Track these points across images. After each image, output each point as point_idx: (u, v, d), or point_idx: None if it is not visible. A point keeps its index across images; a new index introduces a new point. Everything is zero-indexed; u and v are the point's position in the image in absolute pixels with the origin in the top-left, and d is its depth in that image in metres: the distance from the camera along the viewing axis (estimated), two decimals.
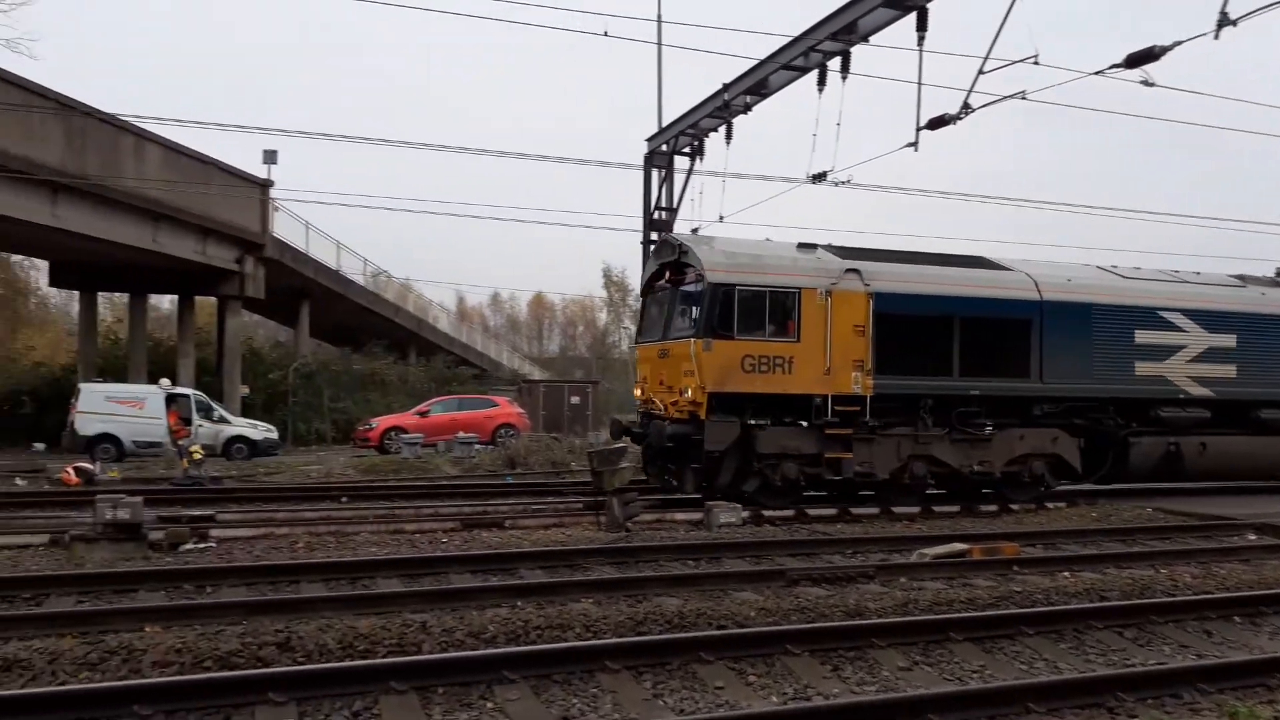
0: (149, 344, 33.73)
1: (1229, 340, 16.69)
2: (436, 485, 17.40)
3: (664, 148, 20.27)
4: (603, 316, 72.51)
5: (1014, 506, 14.89)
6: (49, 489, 16.94)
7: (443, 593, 8.28)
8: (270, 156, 31.56)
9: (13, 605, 7.88)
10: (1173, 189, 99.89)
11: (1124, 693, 5.92)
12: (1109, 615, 7.69)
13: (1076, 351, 15.54)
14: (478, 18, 15.45)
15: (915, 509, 14.18)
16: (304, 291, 37.20)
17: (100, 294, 33.59)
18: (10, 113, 20.85)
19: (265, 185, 31.23)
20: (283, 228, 33.49)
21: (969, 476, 14.84)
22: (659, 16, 20.51)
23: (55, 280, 33.04)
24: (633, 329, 30.89)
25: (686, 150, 20.01)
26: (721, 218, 19.06)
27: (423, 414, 28.75)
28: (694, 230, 18.73)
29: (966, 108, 12.74)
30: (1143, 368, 16.00)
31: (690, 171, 19.93)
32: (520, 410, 29.89)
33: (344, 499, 15.40)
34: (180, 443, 20.77)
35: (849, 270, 14.27)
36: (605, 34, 16.70)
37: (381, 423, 28.57)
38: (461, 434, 25.00)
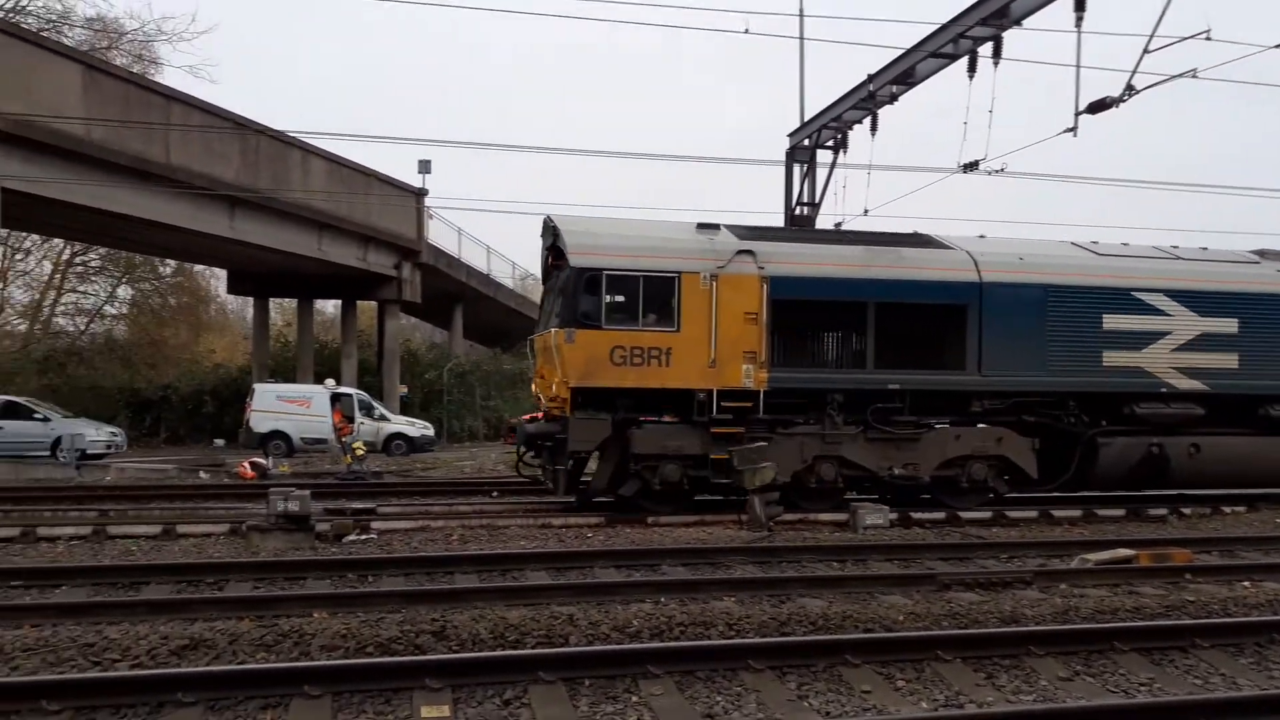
0: (315, 346, 35.80)
1: (1228, 325, 14.33)
2: None
3: (806, 142, 20.00)
4: None
5: (1098, 511, 13.34)
6: (228, 482, 18.23)
7: (588, 586, 8.46)
8: (424, 166, 32.88)
9: (198, 589, 8.53)
10: None
11: None
12: None
13: (1026, 339, 13.59)
14: (615, 22, 15.67)
15: (1077, 512, 13.44)
16: (457, 295, 38.66)
17: (272, 299, 35.84)
18: (194, 134, 22.55)
19: (420, 194, 32.61)
20: (437, 234, 34.98)
21: (887, 480, 13.25)
22: (800, 10, 20.26)
23: (233, 288, 35.48)
24: None
25: (829, 144, 19.68)
26: (866, 211, 18.64)
27: None
28: (837, 225, 18.40)
29: (1130, 89, 12.03)
30: (1113, 357, 13.90)
31: (833, 165, 19.58)
32: None
33: (494, 493, 15.93)
34: (344, 439, 21.94)
35: (741, 252, 12.84)
36: (746, 31, 16.69)
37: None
38: None
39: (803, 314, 13.10)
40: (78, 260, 36.82)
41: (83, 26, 32.21)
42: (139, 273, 37.59)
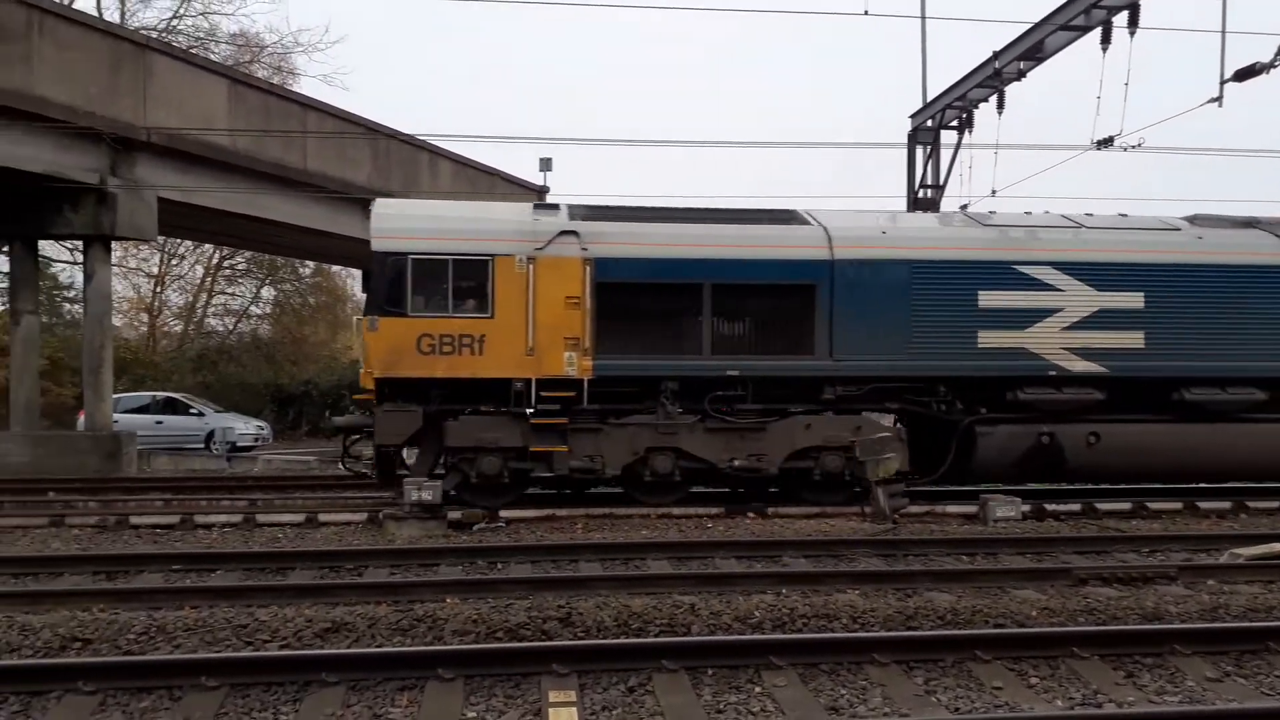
0: None
1: (1133, 300, 12.71)
2: None
3: (929, 123, 19.47)
4: None
5: (1250, 504, 12.36)
6: (364, 473, 19.00)
7: (710, 576, 8.52)
8: (545, 164, 33.42)
9: (339, 575, 8.96)
10: None
11: None
12: None
13: (886, 320, 12.38)
14: (732, 11, 15.56)
15: (1226, 504, 12.69)
16: None
17: None
18: (329, 140, 23.61)
19: (542, 191, 33.14)
20: None
21: (728, 473, 12.31)
22: None
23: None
24: None
25: (954, 124, 19.11)
26: (994, 192, 18.07)
27: None
28: (962, 207, 17.86)
29: None
30: (991, 338, 12.50)
31: (958, 146, 19.01)
32: None
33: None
34: None
35: (564, 233, 12.05)
36: (865, 13, 16.36)
37: None
38: None
39: (633, 297, 12.20)
40: (226, 264, 39.04)
41: (227, 42, 34.16)
42: (281, 274, 39.62)
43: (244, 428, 26.03)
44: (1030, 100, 21.78)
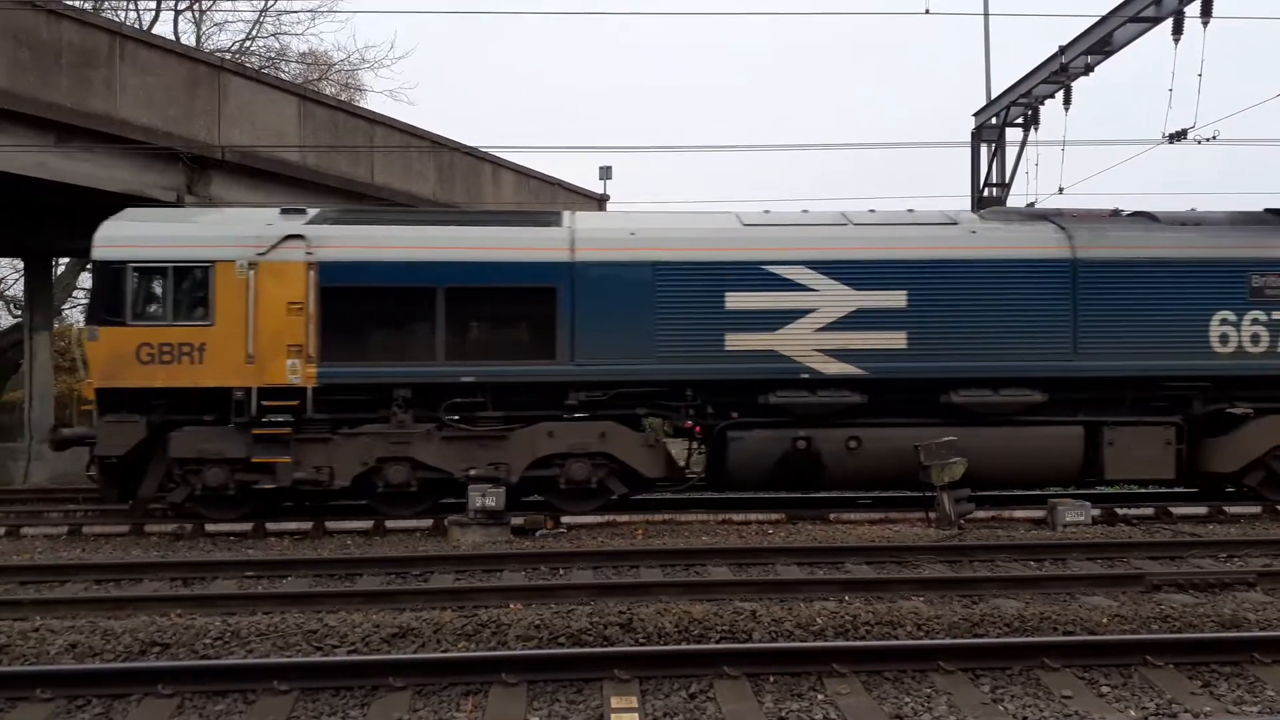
0: None
1: (894, 299, 12.09)
2: None
3: (993, 120, 19.14)
4: None
5: None
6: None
7: (771, 583, 8.50)
8: (605, 172, 33.65)
9: (405, 581, 9.13)
10: None
11: None
12: None
13: (630, 323, 11.95)
14: (795, 14, 15.52)
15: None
16: None
17: None
18: (395, 154, 24.11)
19: (602, 200, 33.42)
20: None
21: (463, 482, 11.74)
22: None
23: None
24: None
25: (1019, 121, 18.76)
26: (1061, 189, 17.69)
27: None
28: (1030, 204, 17.51)
29: None
30: (739, 340, 11.99)
31: (1023, 143, 18.65)
32: None
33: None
34: None
35: (290, 237, 11.70)
36: (927, 12, 16.17)
37: None
38: None
39: (363, 302, 11.89)
40: None
41: (297, 61, 35.03)
42: None
43: None
44: (1103, 93, 21.30)
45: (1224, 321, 12.40)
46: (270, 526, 11.69)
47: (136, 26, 25.56)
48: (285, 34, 35.69)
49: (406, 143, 24.53)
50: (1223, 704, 5.63)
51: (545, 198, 30.11)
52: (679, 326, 12.05)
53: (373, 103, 35.06)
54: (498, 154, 27.82)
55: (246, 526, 11.70)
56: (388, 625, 6.88)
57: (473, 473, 11.72)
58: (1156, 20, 14.74)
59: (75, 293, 29.55)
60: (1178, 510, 12.14)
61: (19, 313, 27.87)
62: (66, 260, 26.83)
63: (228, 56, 28.28)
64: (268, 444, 11.68)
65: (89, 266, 12.30)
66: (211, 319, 11.68)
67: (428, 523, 11.92)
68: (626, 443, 12.16)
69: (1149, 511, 12.13)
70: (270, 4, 32.32)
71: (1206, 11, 13.58)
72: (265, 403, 11.68)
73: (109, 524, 11.99)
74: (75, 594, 8.58)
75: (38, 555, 10.47)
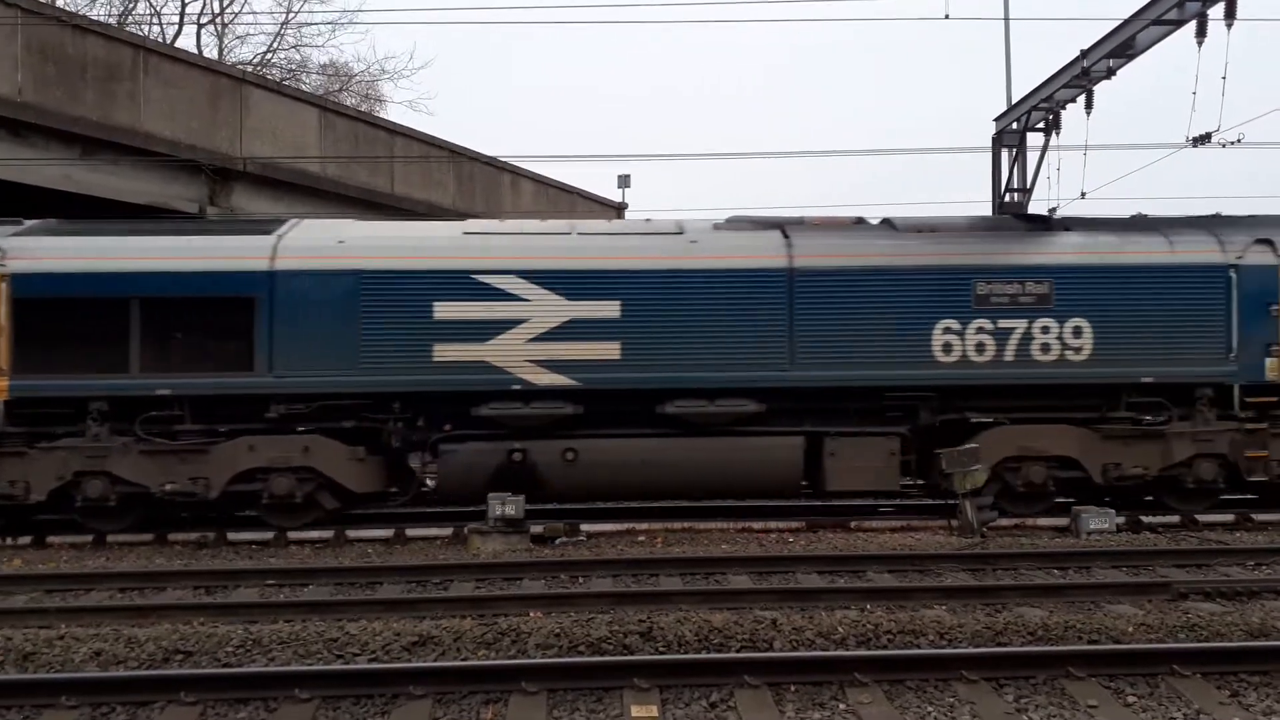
0: None
1: (608, 309, 11.87)
2: None
3: (1014, 126, 19.03)
4: None
5: None
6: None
7: (792, 591, 8.45)
8: (624, 180, 33.74)
9: (425, 589, 9.15)
10: None
11: None
12: None
13: (333, 333, 11.73)
14: (810, 21, 15.51)
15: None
16: None
17: None
18: (414, 164, 24.28)
19: (621, 208, 33.50)
20: None
21: (159, 497, 11.62)
22: None
23: None
24: None
25: (1040, 126, 18.64)
26: (1084, 194, 17.49)
27: None
28: (1051, 210, 17.39)
29: None
30: (448, 351, 11.76)
31: (1045, 148, 18.50)
32: None
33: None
34: None
35: None
36: (946, 17, 16.14)
37: None
38: None
39: (59, 314, 11.64)
40: None
41: (318, 73, 35.37)
42: None
43: None
44: (1127, 97, 21.14)
45: (947, 330, 12.03)
46: (292, 535, 11.75)
47: (160, 40, 25.88)
48: (306, 46, 36.05)
49: (426, 153, 24.71)
50: (1252, 714, 5.56)
51: (563, 206, 30.21)
52: (384, 337, 11.82)
53: (392, 113, 35.27)
54: (517, 163, 27.97)
55: (268, 534, 11.78)
56: (408, 633, 6.89)
57: (169, 487, 11.61)
58: (1180, 23, 14.60)
59: None
60: (1204, 518, 12.02)
61: None
62: None
63: (249, 69, 28.59)
64: None
65: None
66: None
67: (448, 531, 11.97)
68: (333, 457, 11.87)
69: (1175, 519, 12.02)
70: (291, 16, 32.68)
71: (1230, 14, 13.46)
72: None
73: (133, 533, 12.09)
74: (100, 602, 8.68)
75: (63, 564, 10.57)
